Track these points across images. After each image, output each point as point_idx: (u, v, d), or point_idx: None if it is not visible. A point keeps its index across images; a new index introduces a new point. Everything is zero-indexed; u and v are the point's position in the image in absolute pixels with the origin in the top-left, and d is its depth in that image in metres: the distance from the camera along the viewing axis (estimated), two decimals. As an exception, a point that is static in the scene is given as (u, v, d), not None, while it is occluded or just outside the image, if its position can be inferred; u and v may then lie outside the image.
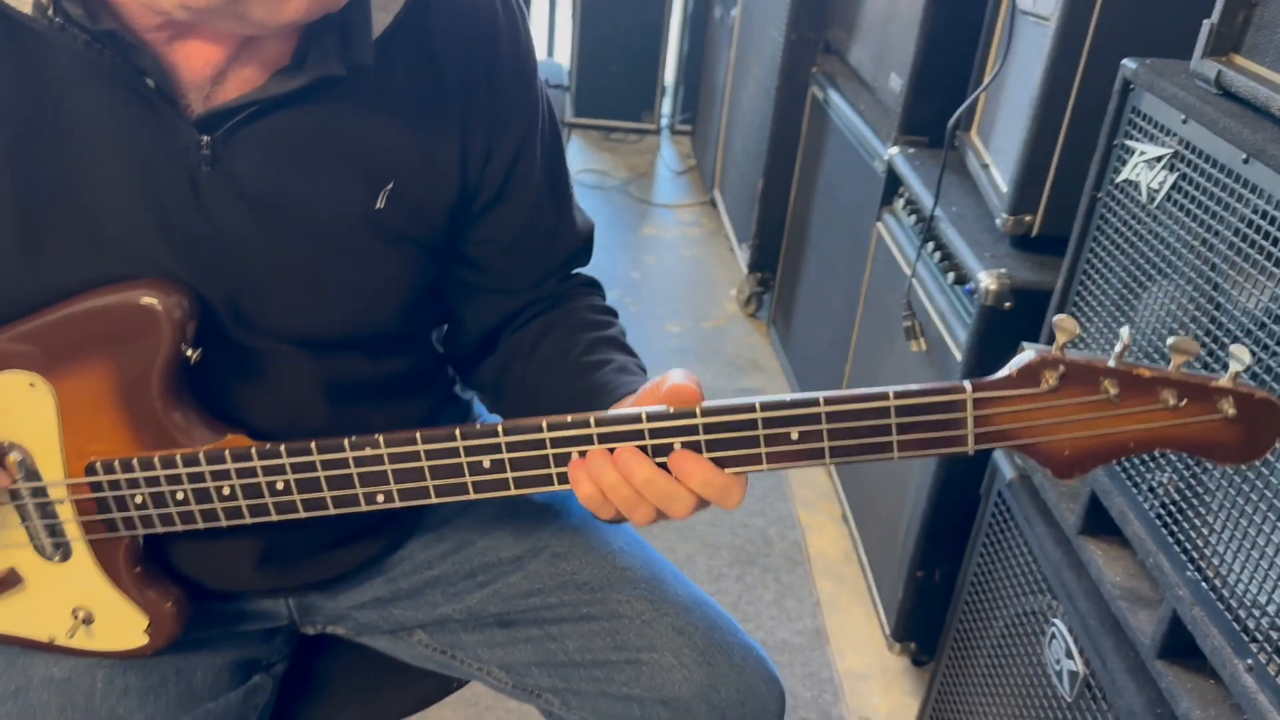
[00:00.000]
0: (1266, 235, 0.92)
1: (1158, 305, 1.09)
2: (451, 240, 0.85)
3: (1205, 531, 0.99)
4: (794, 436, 0.69)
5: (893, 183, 1.80)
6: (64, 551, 0.78)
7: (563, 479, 0.72)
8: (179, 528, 0.76)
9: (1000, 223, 1.46)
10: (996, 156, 1.56)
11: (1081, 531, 1.19)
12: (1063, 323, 0.66)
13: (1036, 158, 1.39)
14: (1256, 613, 0.91)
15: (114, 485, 0.75)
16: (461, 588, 0.93)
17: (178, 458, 0.73)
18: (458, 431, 0.70)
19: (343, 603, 0.94)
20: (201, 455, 0.73)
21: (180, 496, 0.74)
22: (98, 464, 0.74)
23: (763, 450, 0.69)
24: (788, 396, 0.68)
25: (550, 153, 0.88)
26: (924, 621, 1.65)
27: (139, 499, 0.75)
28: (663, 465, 0.70)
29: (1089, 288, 1.21)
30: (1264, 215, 0.92)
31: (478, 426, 0.71)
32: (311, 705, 0.95)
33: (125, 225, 0.71)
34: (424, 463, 0.71)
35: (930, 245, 1.59)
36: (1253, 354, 0.93)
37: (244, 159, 0.72)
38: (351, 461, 0.72)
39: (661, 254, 3.08)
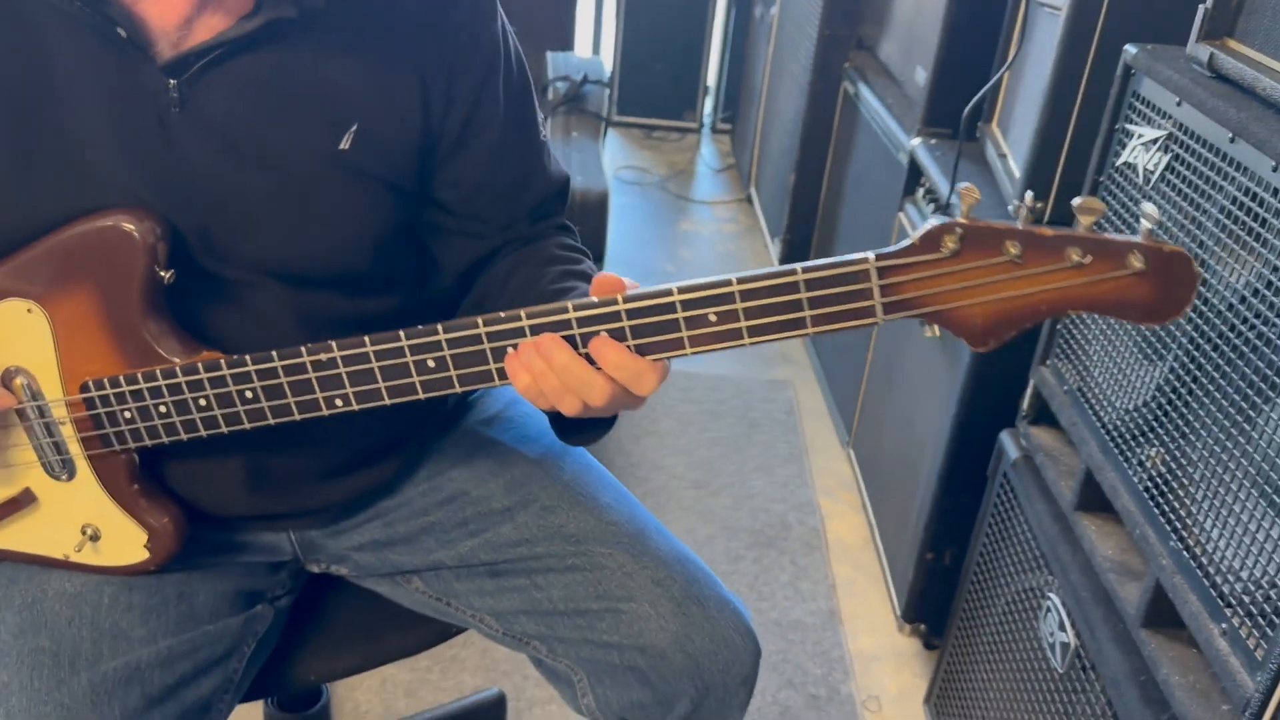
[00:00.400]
0: (1250, 213, 0.94)
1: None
2: (421, 183, 0.90)
3: (1188, 502, 1.01)
4: (712, 318, 0.71)
5: (915, 173, 1.83)
6: (69, 470, 0.85)
7: (502, 375, 0.75)
8: (165, 439, 0.82)
9: (1012, 209, 1.48)
10: (1014, 147, 1.58)
11: (1077, 508, 1.21)
12: (966, 192, 0.67)
13: (1047, 145, 1.41)
14: (1231, 578, 0.93)
15: (105, 401, 0.81)
16: (454, 535, 0.98)
17: (158, 372, 0.79)
18: (402, 334, 0.75)
19: (342, 543, 0.99)
20: (178, 369, 0.79)
21: (163, 409, 0.80)
22: (90, 383, 0.81)
23: (684, 334, 0.71)
24: (704, 280, 0.71)
25: (516, 99, 0.92)
26: (934, 603, 1.67)
27: (128, 414, 0.81)
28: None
29: (1090, 270, 1.24)
30: (1248, 193, 0.95)
31: (420, 327, 0.75)
32: (317, 641, 1.01)
33: (104, 161, 0.78)
34: (374, 364, 0.76)
35: (946, 233, 1.62)
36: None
37: (210, 100, 0.79)
38: (309, 366, 0.77)
39: (697, 248, 3.13)
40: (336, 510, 0.97)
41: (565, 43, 3.60)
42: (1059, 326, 1.30)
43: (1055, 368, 1.31)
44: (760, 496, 2.11)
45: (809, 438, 2.32)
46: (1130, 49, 1.16)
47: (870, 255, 0.68)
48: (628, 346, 0.72)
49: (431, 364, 0.76)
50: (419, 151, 0.88)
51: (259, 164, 0.81)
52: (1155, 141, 1.11)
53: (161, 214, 0.79)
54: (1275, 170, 0.90)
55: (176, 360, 0.80)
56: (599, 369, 0.73)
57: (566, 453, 1.00)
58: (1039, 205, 1.45)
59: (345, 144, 0.83)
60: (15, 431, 0.84)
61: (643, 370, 0.73)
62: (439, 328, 0.75)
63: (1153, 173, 1.11)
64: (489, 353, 0.75)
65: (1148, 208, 0.66)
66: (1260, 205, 0.93)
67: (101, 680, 0.82)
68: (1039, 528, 1.28)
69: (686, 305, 0.71)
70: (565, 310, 0.73)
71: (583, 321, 0.73)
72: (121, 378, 0.80)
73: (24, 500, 0.86)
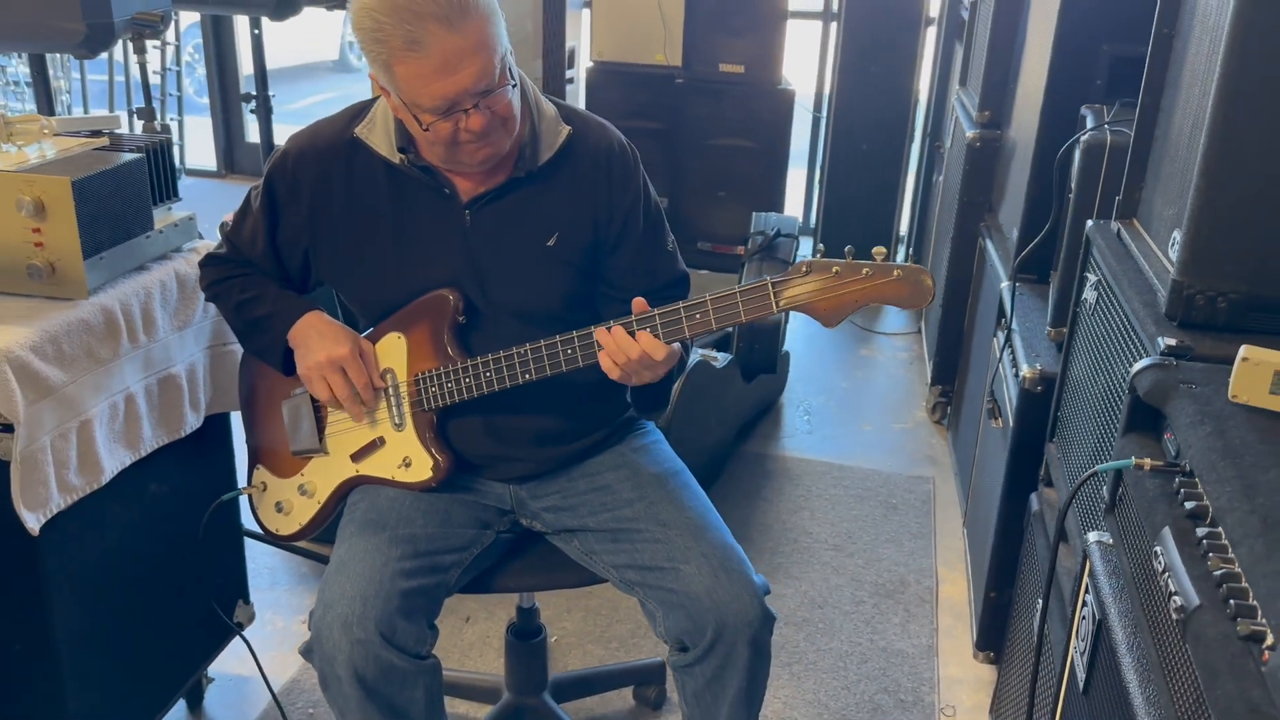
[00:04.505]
0: (1124, 330, 1.49)
1: (1101, 375, 1.64)
2: (595, 267, 1.58)
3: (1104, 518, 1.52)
4: (698, 317, 1.37)
5: (1003, 308, 2.38)
6: (402, 424, 1.59)
7: (584, 359, 1.43)
8: (448, 401, 1.53)
9: (1048, 333, 2.02)
10: (1063, 288, 2.13)
11: (1055, 538, 1.72)
12: (818, 247, 1.31)
13: (1067, 289, 1.96)
14: (1103, 560, 1.44)
15: (425, 383, 1.55)
16: (597, 509, 1.61)
17: (451, 367, 1.52)
18: (542, 342, 1.45)
19: (538, 504, 1.65)
20: (459, 365, 1.52)
21: (449, 385, 1.53)
22: (419, 373, 1.56)
23: (684, 324, 1.37)
24: (674, 305, 1.38)
25: (650, 222, 1.59)
26: (998, 635, 2.14)
27: (434, 389, 1.55)
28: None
29: (1072, 371, 1.77)
30: (1125, 319, 1.49)
31: (548, 338, 1.45)
32: (516, 566, 1.68)
33: (433, 252, 1.53)
34: (530, 358, 1.46)
35: (1008, 350, 2.17)
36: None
37: (485, 219, 1.51)
38: (515, 358, 1.47)
39: (870, 371, 3.71)
40: (535, 465, 1.63)
41: (776, 204, 4.36)
42: (1058, 414, 1.83)
43: (1057, 444, 1.83)
44: (887, 561, 2.64)
45: (939, 522, 2.82)
46: (1090, 223, 1.72)
47: (768, 278, 1.32)
48: (656, 334, 1.39)
49: (561, 356, 1.46)
50: (591, 250, 1.57)
51: (508, 252, 1.54)
52: (1094, 284, 1.66)
53: (461, 280, 1.53)
54: (1126, 301, 1.46)
55: (459, 361, 1.53)
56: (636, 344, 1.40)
57: (675, 474, 1.65)
58: (1062, 331, 1.99)
59: (551, 242, 1.53)
60: (381, 402, 1.60)
61: (657, 347, 1.39)
62: (558, 338, 1.44)
63: (1092, 304, 1.66)
64: (578, 349, 1.44)
65: (877, 249, 1.29)
66: (1130, 327, 1.48)
67: (394, 537, 1.53)
68: (1041, 557, 1.79)
69: (662, 315, 1.39)
70: (629, 317, 1.41)
71: (628, 324, 1.41)
72: (433, 370, 1.55)
73: (379, 443, 1.61)
